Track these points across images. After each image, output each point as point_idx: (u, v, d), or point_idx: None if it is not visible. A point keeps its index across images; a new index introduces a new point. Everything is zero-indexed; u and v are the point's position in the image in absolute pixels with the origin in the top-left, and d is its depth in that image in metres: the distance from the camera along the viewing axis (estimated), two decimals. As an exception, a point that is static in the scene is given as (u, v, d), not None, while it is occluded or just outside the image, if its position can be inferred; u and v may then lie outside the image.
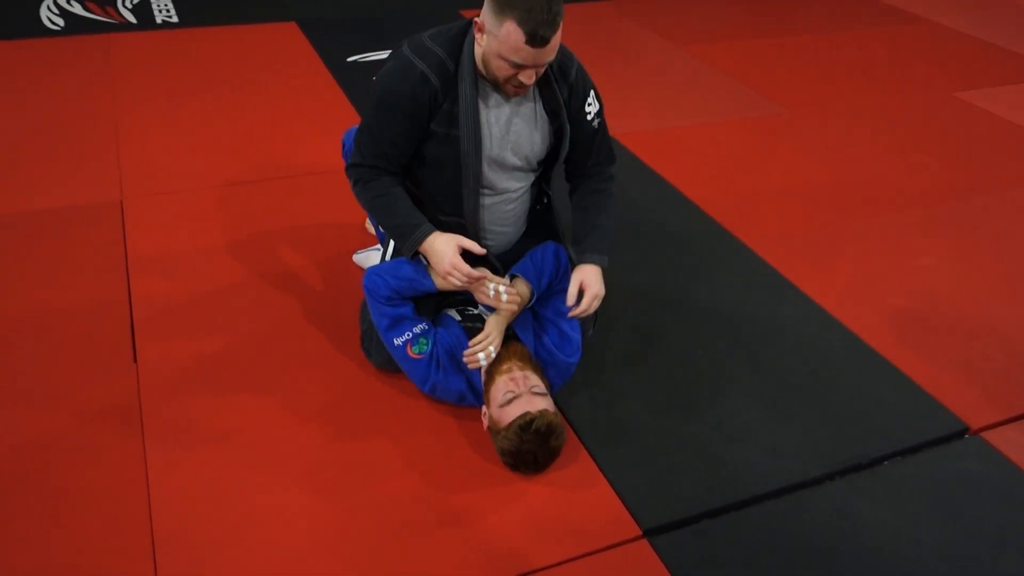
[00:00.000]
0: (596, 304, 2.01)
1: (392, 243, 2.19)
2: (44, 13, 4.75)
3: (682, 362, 2.34)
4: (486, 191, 2.05)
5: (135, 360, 2.21)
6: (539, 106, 2.01)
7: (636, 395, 2.21)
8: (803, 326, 2.52)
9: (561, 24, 1.76)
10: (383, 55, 4.36)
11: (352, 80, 4.05)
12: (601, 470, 1.96)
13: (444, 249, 1.93)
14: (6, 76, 3.90)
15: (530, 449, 1.86)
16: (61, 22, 4.64)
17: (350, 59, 4.31)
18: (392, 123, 1.93)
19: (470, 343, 1.99)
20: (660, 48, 4.80)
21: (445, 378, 2.03)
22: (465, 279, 1.93)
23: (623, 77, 4.36)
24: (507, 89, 1.89)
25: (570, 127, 2.02)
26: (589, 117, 2.03)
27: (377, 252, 2.55)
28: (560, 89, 1.97)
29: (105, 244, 2.67)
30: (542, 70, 1.86)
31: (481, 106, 1.95)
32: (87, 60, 4.11)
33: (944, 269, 2.85)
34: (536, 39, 1.73)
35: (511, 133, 2.00)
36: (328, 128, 3.52)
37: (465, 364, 2.00)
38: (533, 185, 2.16)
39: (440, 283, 2.01)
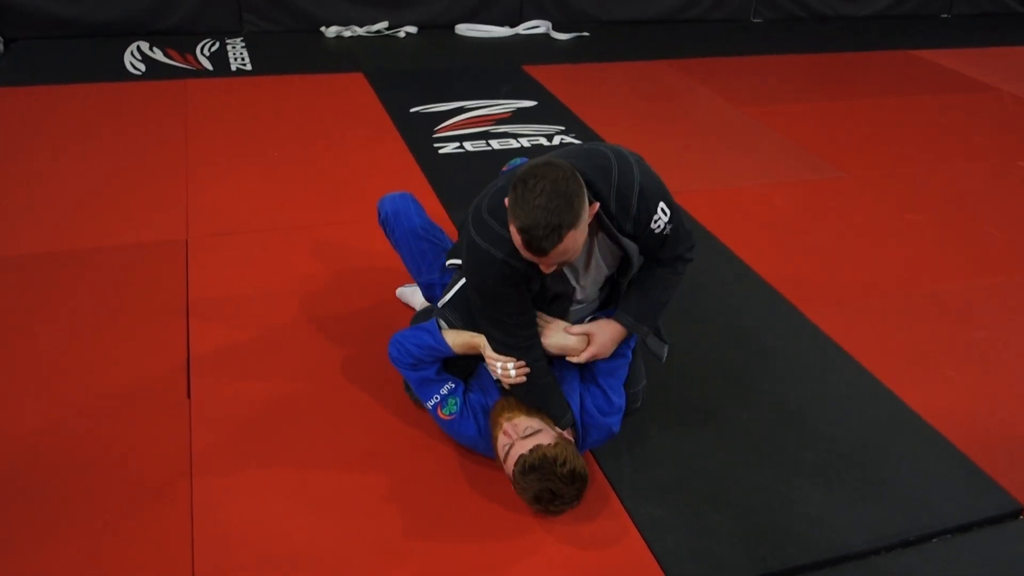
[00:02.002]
0: (589, 356, 2.05)
1: (454, 289, 2.22)
2: (128, 59, 5.02)
3: (727, 426, 2.31)
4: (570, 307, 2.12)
5: (188, 396, 2.28)
6: (602, 241, 2.01)
7: (678, 457, 2.19)
8: (854, 394, 2.47)
9: (569, 233, 1.69)
10: (445, 107, 4.49)
11: (414, 130, 4.16)
12: (639, 530, 1.95)
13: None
14: (90, 117, 4.12)
15: (542, 487, 1.85)
16: (143, 67, 4.90)
17: (412, 110, 4.44)
18: (508, 305, 1.95)
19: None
20: (718, 108, 4.83)
21: (483, 437, 2.05)
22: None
23: (680, 136, 4.39)
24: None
25: (638, 241, 1.99)
26: (657, 231, 1.95)
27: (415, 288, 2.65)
28: (624, 224, 1.92)
29: (168, 281, 2.78)
30: (564, 263, 1.83)
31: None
32: (165, 103, 4.32)
33: (1002, 341, 2.78)
34: (534, 250, 1.71)
35: (591, 269, 2.04)
36: (389, 175, 3.62)
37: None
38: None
39: (458, 350, 2.07)
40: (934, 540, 2.00)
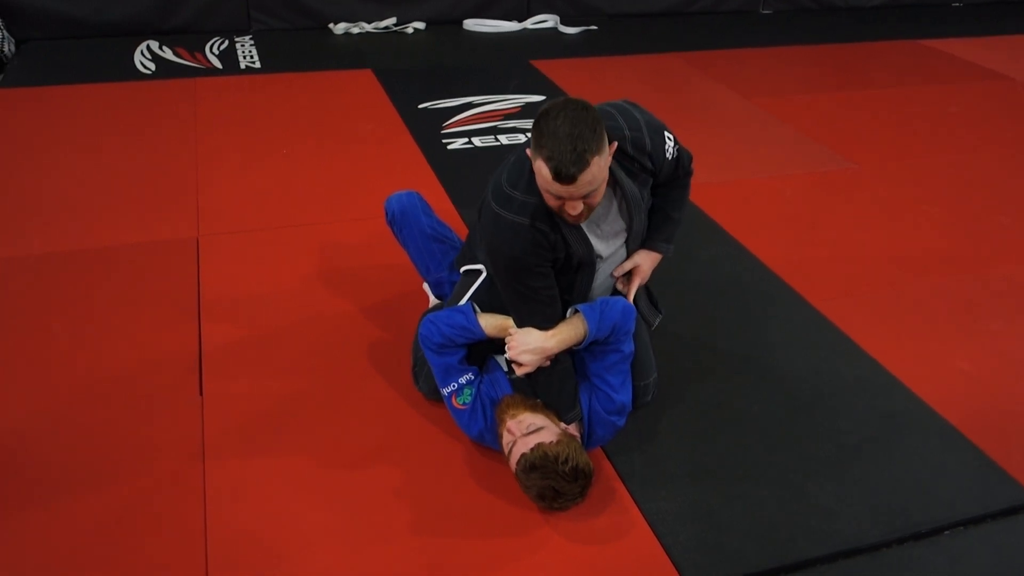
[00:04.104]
0: (637, 284, 2.18)
1: (468, 294, 2.23)
2: (138, 58, 5.04)
3: (738, 419, 2.31)
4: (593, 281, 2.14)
5: (200, 392, 2.29)
6: (622, 196, 2.03)
7: (688, 450, 2.19)
8: (865, 387, 2.46)
9: (593, 159, 1.74)
10: (453, 102, 4.49)
11: (422, 126, 4.16)
12: (649, 523, 1.95)
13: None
14: (100, 116, 4.14)
15: (544, 485, 1.86)
16: (153, 66, 4.92)
17: (421, 106, 4.44)
18: (536, 279, 1.97)
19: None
20: (729, 100, 4.81)
21: (491, 430, 2.06)
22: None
23: (691, 129, 4.35)
24: (564, 218, 1.89)
25: (659, 174, 2.08)
26: (670, 157, 2.06)
27: None
28: (643, 161, 2.00)
29: (180, 279, 2.79)
30: (591, 202, 1.84)
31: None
32: (174, 102, 4.34)
33: (1015, 334, 2.76)
34: (562, 176, 1.74)
35: (609, 223, 2.06)
36: (398, 172, 3.63)
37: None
38: None
39: (490, 333, 2.06)
40: (946, 532, 1.99)
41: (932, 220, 3.49)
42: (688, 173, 2.18)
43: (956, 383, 2.50)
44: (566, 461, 1.84)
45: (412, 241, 2.40)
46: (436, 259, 2.38)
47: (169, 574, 1.77)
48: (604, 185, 1.84)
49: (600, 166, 1.77)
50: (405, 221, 2.39)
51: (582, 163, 1.72)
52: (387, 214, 2.43)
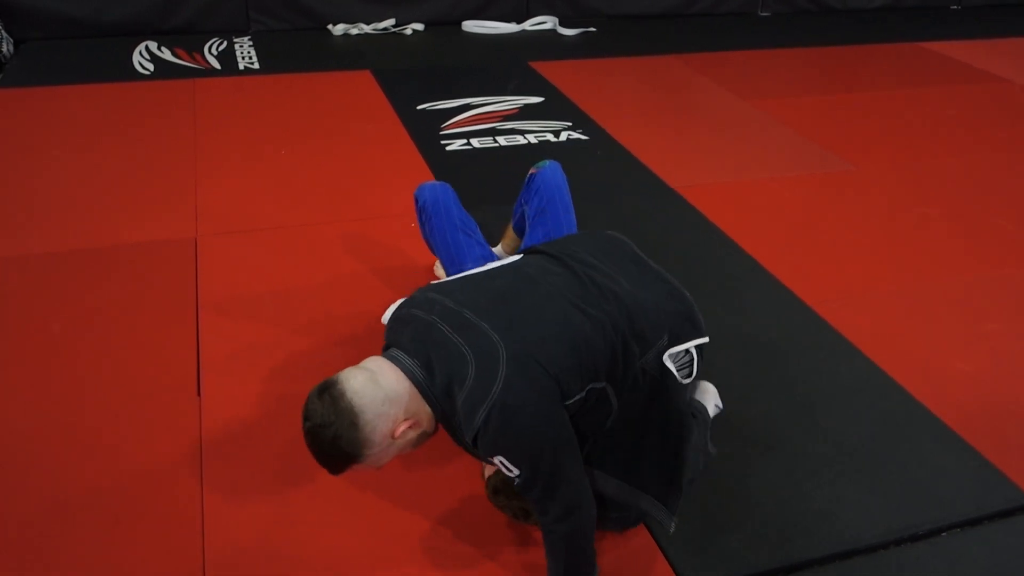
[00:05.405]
0: None
1: None
2: (136, 58, 5.04)
3: (736, 420, 2.31)
4: None
5: (199, 394, 2.29)
6: None
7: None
8: (863, 388, 2.46)
9: (349, 469, 1.61)
10: (451, 103, 4.50)
11: (421, 127, 4.17)
12: (647, 524, 1.95)
13: None
14: (98, 117, 4.14)
15: (513, 505, 1.87)
16: (151, 67, 4.92)
17: (420, 107, 4.44)
18: None
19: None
20: (727, 102, 4.81)
21: None
22: None
23: (688, 130, 4.38)
24: None
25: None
26: (498, 470, 1.68)
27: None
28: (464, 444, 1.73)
29: (178, 279, 2.79)
30: None
31: None
32: (173, 103, 4.34)
33: (1012, 335, 2.76)
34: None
35: None
36: (397, 172, 3.63)
37: None
38: None
39: None
40: (944, 534, 1.99)
41: (930, 222, 3.50)
42: (547, 530, 1.69)
43: (953, 385, 2.51)
44: None
45: (440, 232, 2.39)
46: (463, 251, 2.39)
47: (166, 575, 1.77)
48: (390, 454, 1.67)
49: (357, 470, 1.63)
50: (436, 211, 2.38)
51: (337, 473, 1.64)
52: (417, 201, 2.42)
